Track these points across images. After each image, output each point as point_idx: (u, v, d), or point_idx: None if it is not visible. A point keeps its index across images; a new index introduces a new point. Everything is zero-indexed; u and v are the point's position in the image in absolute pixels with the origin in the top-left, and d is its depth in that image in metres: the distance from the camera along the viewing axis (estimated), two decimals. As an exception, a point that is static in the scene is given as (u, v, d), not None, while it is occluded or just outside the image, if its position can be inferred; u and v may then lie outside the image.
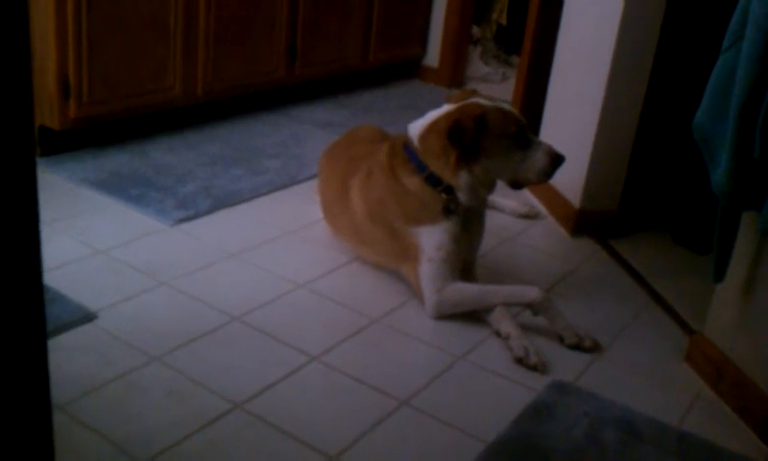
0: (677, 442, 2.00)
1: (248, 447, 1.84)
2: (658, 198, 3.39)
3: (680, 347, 2.47)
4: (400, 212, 2.52)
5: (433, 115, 2.54)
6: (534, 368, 2.28)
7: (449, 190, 2.48)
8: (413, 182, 2.51)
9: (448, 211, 2.48)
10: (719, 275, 2.21)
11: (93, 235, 2.71)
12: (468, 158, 2.44)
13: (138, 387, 2.00)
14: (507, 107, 2.53)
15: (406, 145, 2.56)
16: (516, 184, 2.55)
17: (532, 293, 2.42)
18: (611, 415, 2.06)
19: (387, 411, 2.02)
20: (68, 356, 2.07)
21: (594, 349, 2.38)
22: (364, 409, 2.02)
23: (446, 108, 2.55)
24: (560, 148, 2.49)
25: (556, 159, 2.49)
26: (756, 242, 2.15)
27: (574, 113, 3.25)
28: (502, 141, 2.44)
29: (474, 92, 2.64)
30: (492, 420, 2.02)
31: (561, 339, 2.39)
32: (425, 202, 2.49)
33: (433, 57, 5.21)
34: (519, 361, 2.29)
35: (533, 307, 2.42)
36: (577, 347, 2.37)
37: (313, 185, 3.16)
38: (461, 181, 2.46)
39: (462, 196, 2.49)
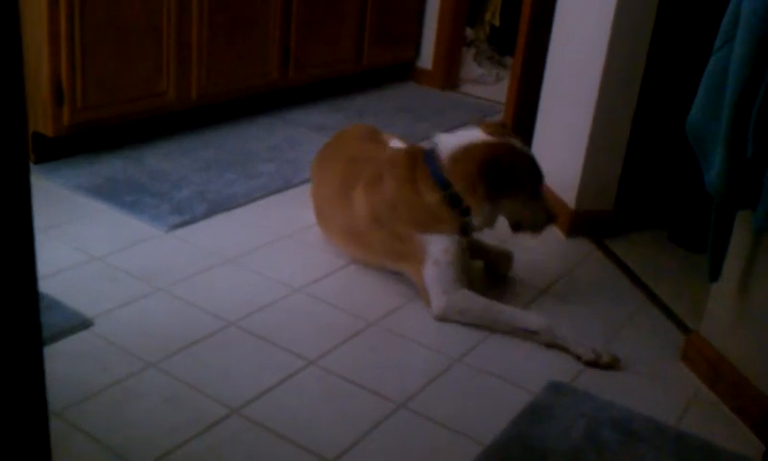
0: (675, 441, 2.01)
1: (245, 451, 1.84)
2: (653, 197, 3.40)
3: (676, 346, 2.47)
4: (411, 219, 2.52)
5: (467, 138, 2.55)
6: (610, 366, 2.32)
7: (466, 212, 2.51)
8: (432, 197, 2.51)
9: (464, 233, 2.54)
10: (714, 274, 2.21)
11: (88, 242, 2.71)
12: (492, 194, 2.48)
13: (135, 393, 2.00)
14: (534, 156, 2.60)
15: (429, 157, 2.56)
16: (516, 227, 2.63)
17: (539, 321, 2.41)
18: (608, 415, 2.06)
19: (384, 414, 2.02)
20: (65, 363, 2.07)
21: (613, 365, 2.33)
22: (361, 412, 2.02)
23: (481, 135, 2.56)
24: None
25: (551, 218, 2.62)
26: (751, 241, 2.15)
27: (568, 114, 3.25)
28: (525, 190, 2.53)
29: (505, 127, 2.71)
30: (489, 421, 2.02)
31: (578, 357, 2.35)
32: (440, 217, 2.51)
33: (427, 59, 5.22)
34: (593, 364, 2.32)
35: (538, 336, 2.40)
36: (595, 364, 2.33)
37: (308, 189, 3.16)
38: (481, 210, 2.51)
39: (476, 221, 2.53)
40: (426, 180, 2.53)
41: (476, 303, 2.46)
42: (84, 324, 2.24)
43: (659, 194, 3.39)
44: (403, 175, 2.56)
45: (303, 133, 4.00)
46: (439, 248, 2.49)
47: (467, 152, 2.51)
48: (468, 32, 5.70)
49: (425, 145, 2.65)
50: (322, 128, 4.08)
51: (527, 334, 2.40)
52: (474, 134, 2.57)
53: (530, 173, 2.54)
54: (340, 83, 4.74)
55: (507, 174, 2.48)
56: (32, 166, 3.19)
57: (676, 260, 3.12)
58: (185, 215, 2.96)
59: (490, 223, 2.58)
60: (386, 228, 2.57)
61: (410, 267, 2.56)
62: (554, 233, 3.21)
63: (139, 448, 1.81)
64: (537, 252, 3.04)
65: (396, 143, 2.95)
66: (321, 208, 2.86)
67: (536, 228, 2.62)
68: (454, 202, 2.50)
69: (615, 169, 3.19)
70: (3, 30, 0.87)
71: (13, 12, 0.87)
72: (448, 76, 5.21)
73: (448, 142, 2.56)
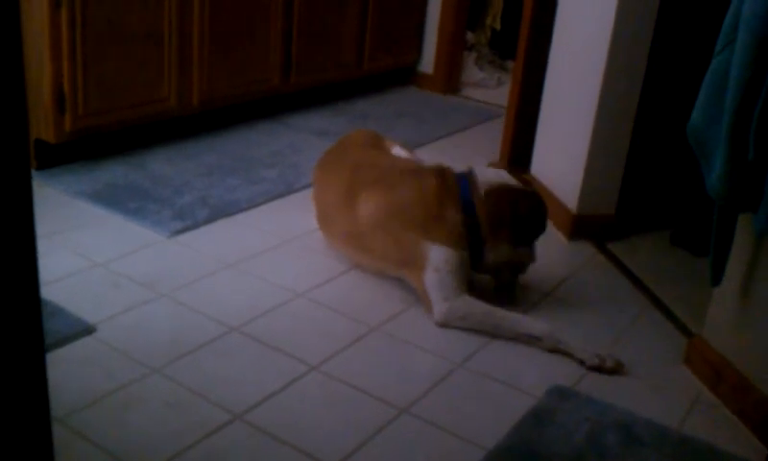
0: (677, 445, 2.01)
1: (248, 457, 1.84)
2: (655, 201, 3.40)
3: (679, 350, 2.47)
4: (420, 225, 2.53)
5: (502, 177, 2.62)
6: (613, 371, 2.32)
7: (480, 244, 2.53)
8: (452, 216, 2.53)
9: (476, 268, 2.59)
10: (716, 278, 2.21)
11: (91, 248, 2.71)
12: (515, 241, 2.56)
13: (138, 399, 2.00)
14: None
15: (463, 180, 2.59)
16: (515, 271, 2.68)
17: (541, 327, 2.41)
18: (611, 419, 2.06)
19: (387, 419, 2.02)
20: (68, 370, 2.07)
21: (617, 370, 2.33)
22: (364, 418, 2.02)
23: (511, 179, 2.63)
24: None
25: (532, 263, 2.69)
26: (753, 244, 2.15)
27: (570, 117, 3.25)
28: (535, 241, 2.65)
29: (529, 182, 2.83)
30: (492, 426, 2.02)
31: (581, 362, 2.34)
32: (452, 232, 2.51)
33: (428, 63, 5.22)
34: (597, 369, 2.32)
35: (541, 342, 2.40)
36: (599, 369, 2.32)
37: (310, 194, 3.16)
38: (497, 249, 2.55)
39: (488, 256, 2.56)
40: (454, 199, 2.55)
41: (478, 308, 2.46)
42: (87, 330, 2.24)
43: (660, 197, 3.39)
44: (430, 185, 2.57)
45: (305, 139, 4.00)
46: (441, 257, 2.48)
47: (504, 192, 2.56)
48: (469, 36, 5.70)
49: (457, 169, 2.68)
50: (323, 133, 4.09)
51: (530, 340, 2.40)
52: (506, 175, 2.65)
53: (544, 227, 2.64)
54: (341, 87, 4.75)
55: (535, 226, 2.59)
56: (33, 173, 3.19)
57: (678, 264, 3.12)
58: (187, 221, 2.97)
59: (498, 263, 2.59)
60: (390, 233, 2.57)
61: (410, 273, 2.56)
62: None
63: (143, 453, 1.82)
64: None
65: (399, 150, 2.96)
66: (324, 213, 2.86)
67: (523, 271, 2.69)
68: (473, 231, 2.52)
69: (617, 172, 3.19)
70: (4, 36, 0.87)
71: (15, 18, 0.88)
72: (449, 80, 5.21)
73: (486, 175, 2.61)
